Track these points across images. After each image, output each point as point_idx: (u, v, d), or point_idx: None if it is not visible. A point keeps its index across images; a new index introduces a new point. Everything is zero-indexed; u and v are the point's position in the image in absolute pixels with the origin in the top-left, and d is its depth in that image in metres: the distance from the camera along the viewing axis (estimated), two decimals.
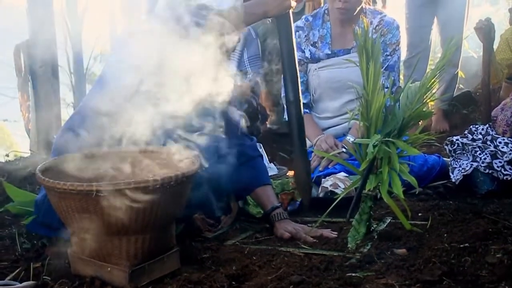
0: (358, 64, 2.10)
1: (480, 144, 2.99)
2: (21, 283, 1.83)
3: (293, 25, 2.49)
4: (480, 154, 2.95)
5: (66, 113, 5.95)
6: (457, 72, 5.11)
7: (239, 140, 2.55)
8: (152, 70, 2.21)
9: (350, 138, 3.23)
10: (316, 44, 3.40)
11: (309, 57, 3.42)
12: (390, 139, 2.02)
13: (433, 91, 2.13)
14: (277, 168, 3.31)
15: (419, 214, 2.43)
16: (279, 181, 2.78)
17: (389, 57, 3.31)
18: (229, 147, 2.50)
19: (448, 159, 3.20)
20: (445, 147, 3.18)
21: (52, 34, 5.45)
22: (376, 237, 2.12)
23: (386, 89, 2.92)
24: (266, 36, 4.40)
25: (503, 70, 4.37)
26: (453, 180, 3.02)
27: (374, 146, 2.00)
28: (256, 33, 4.08)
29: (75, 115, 2.38)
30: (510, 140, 2.94)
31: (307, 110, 3.48)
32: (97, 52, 9.52)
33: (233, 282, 1.82)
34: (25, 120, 5.62)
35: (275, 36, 4.29)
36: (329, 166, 3.13)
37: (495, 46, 4.40)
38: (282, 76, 3.36)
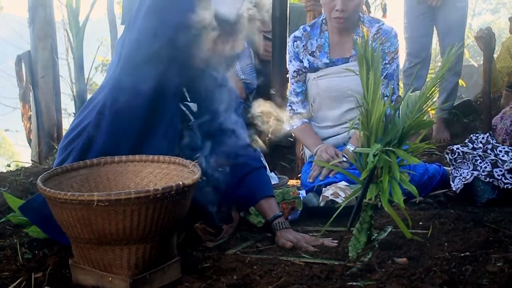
0: (357, 73, 2.11)
1: (480, 153, 3.00)
2: None
3: None
4: (480, 163, 2.95)
5: (67, 123, 5.95)
6: (458, 81, 5.12)
7: (243, 150, 2.55)
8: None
9: (350, 147, 3.24)
10: (315, 54, 3.41)
11: (307, 66, 3.43)
12: (390, 148, 2.02)
13: (434, 100, 2.13)
14: (278, 177, 3.32)
15: (420, 223, 2.43)
16: (280, 190, 2.78)
17: (387, 65, 3.31)
18: (232, 157, 2.51)
19: (449, 168, 3.21)
20: (446, 156, 3.18)
21: (54, 44, 5.47)
22: (377, 246, 2.12)
23: (385, 98, 2.92)
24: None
25: (503, 78, 4.39)
26: (454, 189, 3.02)
27: (374, 156, 2.00)
28: (249, 42, 4.10)
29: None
30: (510, 149, 2.95)
31: (306, 120, 3.49)
32: (98, 62, 9.55)
33: None
34: (27, 130, 5.64)
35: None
36: (330, 176, 3.14)
37: (495, 55, 4.41)
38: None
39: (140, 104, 2.21)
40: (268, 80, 4.02)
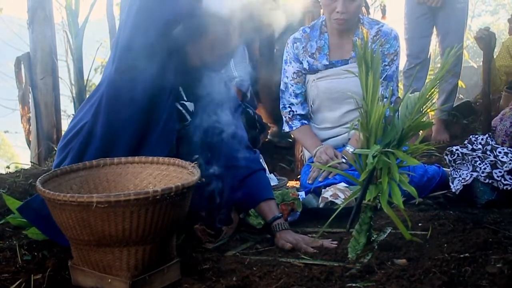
0: (357, 75, 2.11)
1: (480, 154, 3.00)
2: None
3: None
4: (480, 164, 2.95)
5: (67, 124, 5.95)
6: (457, 82, 5.12)
7: (242, 153, 2.55)
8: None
9: (349, 149, 3.23)
10: (314, 55, 3.41)
11: (307, 68, 3.42)
12: (389, 149, 2.02)
13: (433, 101, 2.13)
14: (277, 179, 3.32)
15: (419, 224, 2.43)
16: (279, 191, 2.78)
17: (387, 67, 3.31)
18: (232, 159, 2.50)
19: (448, 169, 3.21)
20: (445, 157, 3.18)
21: (53, 46, 5.47)
22: (376, 247, 2.12)
23: (385, 99, 2.92)
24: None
25: (501, 77, 4.39)
26: (453, 190, 3.02)
27: (373, 157, 2.00)
28: (243, 42, 4.10)
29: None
30: (509, 150, 2.94)
31: (305, 121, 3.49)
32: (98, 64, 9.54)
33: None
34: (26, 132, 5.64)
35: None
36: (329, 177, 3.13)
37: (495, 55, 4.42)
38: (280, 88, 3.42)
39: (135, 103, 2.21)
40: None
